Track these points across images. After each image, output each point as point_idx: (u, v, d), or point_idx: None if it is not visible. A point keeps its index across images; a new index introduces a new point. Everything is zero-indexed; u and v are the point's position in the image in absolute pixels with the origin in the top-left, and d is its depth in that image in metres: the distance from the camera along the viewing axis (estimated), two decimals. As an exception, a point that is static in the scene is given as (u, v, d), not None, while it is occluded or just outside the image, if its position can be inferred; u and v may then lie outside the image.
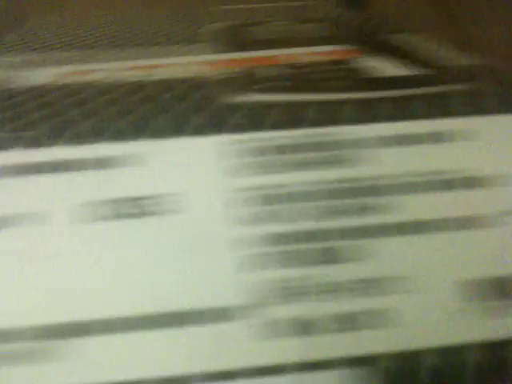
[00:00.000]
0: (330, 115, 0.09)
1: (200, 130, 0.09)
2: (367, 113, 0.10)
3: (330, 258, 0.08)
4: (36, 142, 0.09)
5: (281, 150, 0.09)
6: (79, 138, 0.09)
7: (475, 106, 0.10)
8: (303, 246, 0.08)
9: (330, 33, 0.18)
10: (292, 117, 0.09)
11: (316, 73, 0.12)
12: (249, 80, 0.12)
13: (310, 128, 0.09)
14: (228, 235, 0.08)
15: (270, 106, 0.10)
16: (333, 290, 0.08)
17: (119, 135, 0.09)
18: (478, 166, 0.09)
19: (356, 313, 0.08)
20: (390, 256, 0.08)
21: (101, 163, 0.09)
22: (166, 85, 0.11)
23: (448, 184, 0.09)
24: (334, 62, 0.13)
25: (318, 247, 0.08)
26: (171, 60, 0.14)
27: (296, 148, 0.09)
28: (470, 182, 0.09)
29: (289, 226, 0.08)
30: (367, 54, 0.14)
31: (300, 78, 0.12)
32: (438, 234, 0.08)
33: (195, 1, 0.36)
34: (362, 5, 0.31)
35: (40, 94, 0.11)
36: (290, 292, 0.08)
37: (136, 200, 0.09)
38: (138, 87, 0.11)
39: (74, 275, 0.08)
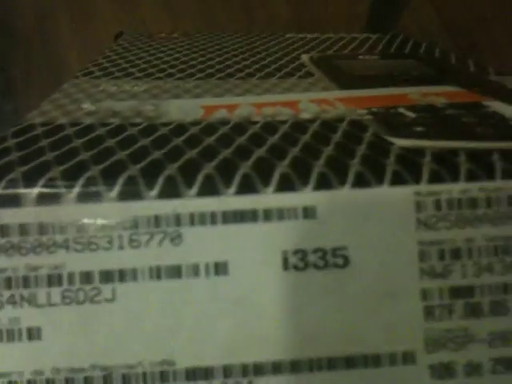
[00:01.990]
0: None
1: (396, 178, 0.09)
2: None
3: (501, 310, 0.09)
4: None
5: (474, 202, 0.09)
6: (247, 186, 0.09)
7: None
8: (481, 299, 0.09)
9: (426, 71, 0.18)
10: (480, 167, 0.10)
11: (462, 117, 0.13)
12: (397, 122, 0.12)
13: (502, 180, 0.09)
14: (417, 286, 0.09)
15: (451, 152, 0.10)
16: (501, 337, 0.09)
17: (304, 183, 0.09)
18: None
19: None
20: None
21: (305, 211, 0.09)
22: (326, 126, 0.12)
23: None
24: (471, 106, 0.13)
25: (497, 299, 0.09)
26: (302, 95, 0.15)
27: (488, 201, 0.09)
28: None
29: (474, 280, 0.09)
30: (489, 98, 0.14)
31: (448, 121, 0.12)
32: None
33: (261, 26, 0.37)
34: (388, 27, 0.31)
35: (210, 131, 0.11)
36: (464, 339, 0.09)
37: (322, 251, 0.09)
38: (303, 127, 0.12)
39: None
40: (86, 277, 0.09)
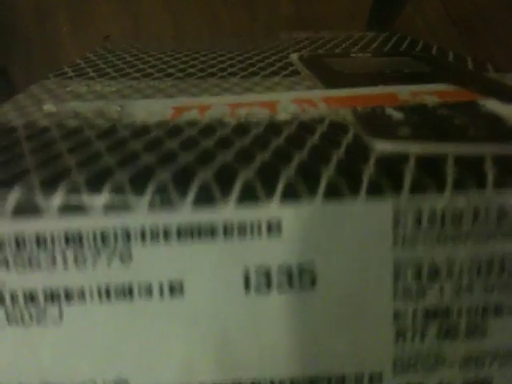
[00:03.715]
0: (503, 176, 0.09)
1: (372, 188, 0.08)
2: None
3: (478, 332, 0.09)
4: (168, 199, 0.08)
5: (459, 217, 0.08)
6: (205, 197, 0.08)
7: None
8: (457, 321, 0.09)
9: (420, 69, 0.17)
10: (468, 175, 0.08)
11: (454, 117, 0.11)
12: (381, 123, 0.11)
13: (493, 189, 0.08)
14: (389, 307, 0.08)
15: (438, 158, 0.09)
16: (475, 360, 0.09)
17: (268, 196, 0.08)
18: None
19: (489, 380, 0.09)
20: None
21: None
22: (303, 127, 0.11)
23: None
24: (464, 105, 0.12)
25: (475, 321, 0.09)
26: (282, 94, 0.14)
27: (476, 215, 0.08)
28: None
29: (451, 301, 0.09)
30: (485, 96, 0.13)
31: (438, 123, 0.11)
32: None
33: (257, 27, 0.36)
34: (387, 25, 0.30)
35: (172, 133, 0.10)
36: (436, 362, 0.09)
37: (288, 270, 0.08)
38: (277, 129, 0.11)
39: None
40: (30, 297, 0.08)
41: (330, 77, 0.16)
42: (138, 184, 0.08)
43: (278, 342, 0.08)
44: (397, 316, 0.08)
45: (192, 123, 0.11)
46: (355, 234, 0.08)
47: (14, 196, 0.08)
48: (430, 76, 0.16)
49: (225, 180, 0.08)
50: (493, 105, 0.12)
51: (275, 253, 0.08)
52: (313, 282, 0.08)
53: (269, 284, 0.08)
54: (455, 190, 0.08)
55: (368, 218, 0.08)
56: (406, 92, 0.14)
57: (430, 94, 0.13)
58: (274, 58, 0.20)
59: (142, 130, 0.10)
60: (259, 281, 0.08)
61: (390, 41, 0.23)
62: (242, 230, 0.08)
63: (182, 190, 0.08)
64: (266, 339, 0.08)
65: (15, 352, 0.09)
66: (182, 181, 0.08)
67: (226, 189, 0.08)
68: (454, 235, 0.08)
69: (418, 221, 0.08)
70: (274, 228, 0.08)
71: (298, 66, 0.18)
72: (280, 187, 0.08)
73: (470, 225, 0.08)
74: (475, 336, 0.09)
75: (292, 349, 0.08)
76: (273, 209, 0.08)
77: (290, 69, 0.17)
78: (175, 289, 0.08)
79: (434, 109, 0.12)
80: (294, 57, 0.20)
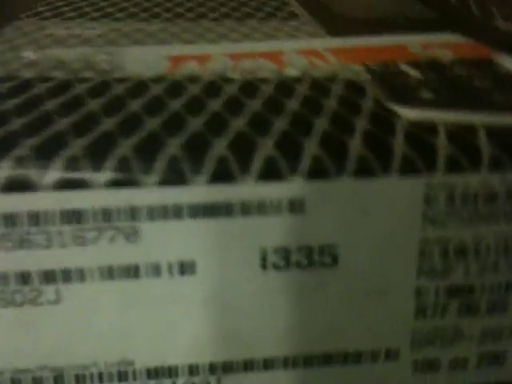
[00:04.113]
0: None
1: (405, 165, 0.08)
2: None
3: (499, 308, 0.08)
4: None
5: (493, 197, 0.08)
6: (225, 174, 0.07)
7: None
8: (479, 298, 0.08)
9: (424, 13, 0.16)
10: (504, 151, 0.08)
11: (474, 78, 0.11)
12: (400, 85, 0.10)
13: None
14: (412, 285, 0.08)
15: (469, 130, 0.08)
16: (492, 334, 0.09)
17: (292, 172, 0.07)
18: None
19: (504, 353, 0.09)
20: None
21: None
22: (318, 88, 0.10)
23: None
24: (481, 63, 0.12)
25: (497, 298, 0.08)
26: (280, 45, 0.12)
27: (509, 195, 0.08)
28: None
29: (475, 279, 0.08)
30: (498, 51, 0.12)
31: (459, 85, 0.10)
32: None
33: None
34: None
35: (177, 93, 0.09)
36: (453, 337, 0.09)
37: (309, 249, 0.08)
38: (289, 89, 0.10)
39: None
40: (22, 277, 0.08)
41: (331, 22, 0.15)
42: (146, 159, 0.07)
43: (294, 319, 0.08)
44: (419, 293, 0.08)
45: (193, 79, 0.10)
46: (384, 212, 0.07)
47: (4, 166, 0.07)
48: (436, 22, 0.15)
49: (243, 154, 0.07)
50: (508, 62, 0.12)
51: (296, 233, 0.07)
52: (335, 261, 0.08)
53: (288, 264, 0.08)
54: (490, 168, 0.08)
55: (399, 196, 0.07)
56: (415, 43, 0.13)
57: (441, 46, 0.13)
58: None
59: (139, 87, 0.09)
60: (277, 260, 0.08)
61: None
62: (261, 208, 0.07)
63: (196, 166, 0.07)
64: (281, 317, 0.08)
65: (9, 335, 0.08)
66: (195, 154, 0.07)
67: (244, 164, 0.07)
68: (486, 215, 0.08)
69: (450, 200, 0.08)
70: (296, 207, 0.07)
71: (295, 5, 0.17)
72: (304, 163, 0.07)
73: (502, 204, 0.08)
74: (495, 312, 0.08)
75: (307, 326, 0.08)
76: (296, 187, 0.07)
77: (287, 10, 0.16)
78: (186, 268, 0.08)
79: (451, 66, 0.11)
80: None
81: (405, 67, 0.11)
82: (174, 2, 0.16)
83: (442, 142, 0.08)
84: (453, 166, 0.08)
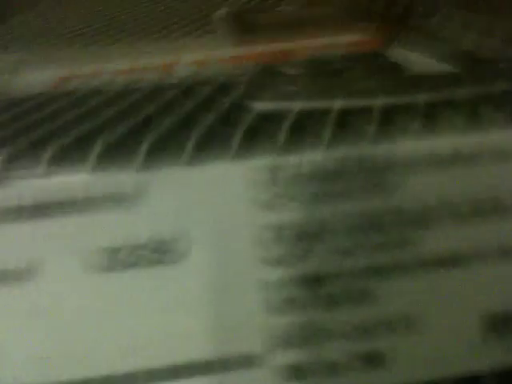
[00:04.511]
0: (388, 127, 0.08)
1: (240, 151, 0.08)
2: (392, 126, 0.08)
3: (363, 298, 0.08)
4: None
5: (334, 175, 0.08)
6: (68, 165, 0.07)
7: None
8: (337, 288, 0.08)
9: (345, 15, 0.16)
10: (332, 131, 0.08)
11: (346, 70, 0.11)
12: (274, 81, 0.10)
13: (373, 145, 0.08)
14: (256, 277, 0.08)
15: (306, 116, 0.08)
16: (361, 330, 0.08)
17: (127, 162, 0.08)
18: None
19: (380, 352, 0.08)
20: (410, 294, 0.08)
21: (110, 199, 0.08)
22: (185, 89, 0.10)
23: (479, 213, 0.08)
24: (368, 56, 0.12)
25: (358, 287, 0.08)
26: (183, 56, 0.13)
27: (352, 172, 0.08)
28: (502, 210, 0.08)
29: (328, 266, 0.08)
30: (398, 45, 0.13)
31: (330, 77, 0.11)
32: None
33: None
34: None
35: (38, 105, 0.10)
36: (317, 335, 0.08)
37: (143, 245, 0.08)
38: (152, 93, 0.10)
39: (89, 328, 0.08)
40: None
41: (244, 34, 0.15)
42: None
43: (130, 328, 0.08)
44: (266, 286, 0.08)
45: (69, 93, 0.10)
46: (219, 201, 0.08)
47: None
48: (353, 23, 0.15)
49: (80, 148, 0.08)
50: (399, 53, 0.12)
51: (124, 230, 0.07)
52: (171, 258, 0.08)
53: (118, 264, 0.08)
54: (328, 147, 0.08)
55: (236, 181, 0.08)
56: (316, 45, 0.13)
57: (339, 46, 0.13)
58: (195, 16, 0.19)
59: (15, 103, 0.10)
60: (105, 261, 0.08)
61: None
62: (99, 201, 0.08)
63: (34, 160, 0.07)
64: (113, 325, 0.08)
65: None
66: (32, 152, 0.08)
67: (80, 157, 0.08)
68: (327, 195, 0.08)
69: (287, 184, 0.08)
70: (130, 200, 0.08)
71: (218, 24, 0.17)
72: (139, 154, 0.08)
73: (344, 183, 0.08)
74: (362, 303, 0.08)
75: (147, 336, 0.08)
76: (129, 179, 0.08)
77: (207, 28, 0.17)
78: (27, 271, 0.08)
79: (332, 63, 0.11)
80: (219, 14, 0.19)
81: (286, 67, 0.11)
82: (90, 27, 0.17)
83: (284, 126, 0.08)
84: (287, 148, 0.08)
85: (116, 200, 0.08)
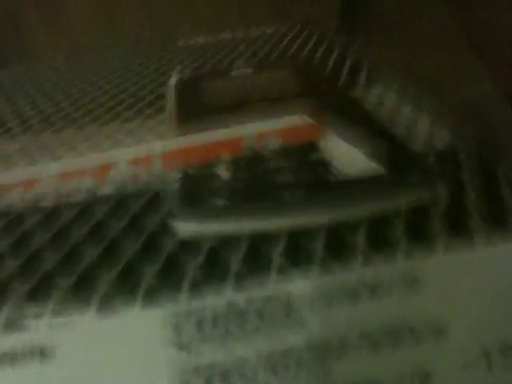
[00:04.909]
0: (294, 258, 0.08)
1: (150, 296, 0.08)
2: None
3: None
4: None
5: (233, 315, 0.08)
6: None
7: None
8: None
9: (289, 89, 0.17)
10: (250, 264, 0.08)
11: (281, 173, 0.11)
12: (199, 193, 0.10)
13: (275, 283, 0.08)
14: None
15: (229, 243, 0.09)
16: None
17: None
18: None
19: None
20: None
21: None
22: (110, 208, 0.10)
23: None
24: (303, 150, 0.12)
25: None
26: (123, 153, 0.13)
27: (260, 312, 0.08)
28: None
29: None
30: (332, 132, 0.13)
31: (259, 186, 0.11)
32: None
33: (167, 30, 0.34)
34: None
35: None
36: None
37: None
38: (79, 214, 0.10)
39: None
40: None
41: (192, 115, 0.15)
42: None
43: None
44: None
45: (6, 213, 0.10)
46: (133, 348, 0.08)
47: None
48: (290, 103, 0.15)
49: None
50: (332, 144, 0.12)
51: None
52: None
53: None
54: (234, 287, 0.08)
55: (145, 332, 0.08)
56: (253, 133, 0.13)
57: (274, 133, 0.13)
58: (149, 87, 0.19)
59: None
60: None
61: (297, 40, 0.22)
62: (13, 358, 0.08)
63: None
64: None
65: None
66: None
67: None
68: (240, 335, 0.08)
69: (201, 327, 0.08)
70: (47, 353, 0.08)
71: (169, 98, 0.17)
72: (48, 309, 0.08)
73: (255, 323, 0.08)
74: None
75: None
76: (42, 331, 0.08)
77: (157, 105, 0.17)
78: None
79: (268, 160, 0.12)
80: (173, 81, 0.19)
81: (220, 168, 0.11)
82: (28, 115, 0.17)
83: (195, 263, 0.08)
84: (197, 290, 0.08)
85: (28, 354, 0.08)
